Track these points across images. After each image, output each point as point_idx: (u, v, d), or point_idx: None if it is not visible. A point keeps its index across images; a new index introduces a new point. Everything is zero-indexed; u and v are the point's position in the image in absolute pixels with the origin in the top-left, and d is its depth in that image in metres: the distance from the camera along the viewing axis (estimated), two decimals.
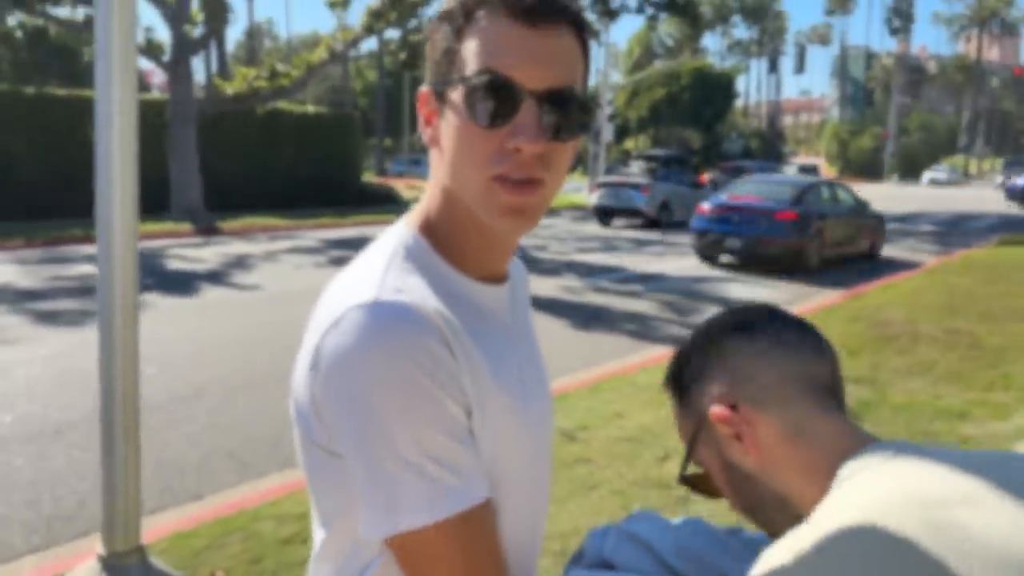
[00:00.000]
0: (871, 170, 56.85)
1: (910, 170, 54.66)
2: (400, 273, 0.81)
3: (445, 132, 0.82)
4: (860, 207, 14.06)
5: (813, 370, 0.90)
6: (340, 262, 12.34)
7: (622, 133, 46.91)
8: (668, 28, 67.71)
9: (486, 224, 0.82)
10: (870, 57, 77.11)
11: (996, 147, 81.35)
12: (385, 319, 0.75)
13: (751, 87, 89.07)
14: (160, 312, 8.05)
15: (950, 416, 5.17)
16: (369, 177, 32.17)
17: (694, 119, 50.97)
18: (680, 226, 19.25)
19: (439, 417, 0.75)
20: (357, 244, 14.77)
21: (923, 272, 12.23)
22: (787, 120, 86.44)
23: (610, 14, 26.65)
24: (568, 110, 0.78)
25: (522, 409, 0.85)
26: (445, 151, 0.82)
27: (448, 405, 0.76)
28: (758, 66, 79.07)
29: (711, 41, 78.64)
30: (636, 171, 20.10)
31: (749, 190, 13.32)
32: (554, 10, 0.78)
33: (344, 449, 0.78)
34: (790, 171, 37.85)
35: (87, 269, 10.72)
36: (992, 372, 6.31)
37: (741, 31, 76.68)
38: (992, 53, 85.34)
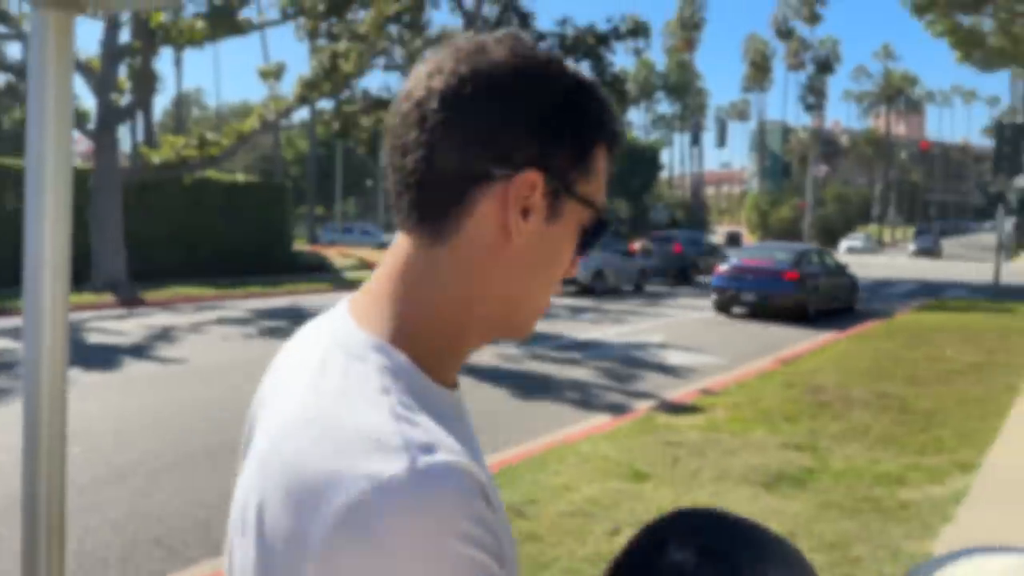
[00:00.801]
0: (792, 237, 59.10)
1: (828, 239, 57.00)
2: (412, 415, 0.63)
3: (545, 240, 0.71)
4: (840, 269, 17.09)
5: None
6: (271, 333, 12.04)
7: None
8: None
9: (494, 334, 0.74)
10: (787, 131, 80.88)
11: (907, 216, 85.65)
12: (437, 492, 0.58)
13: (675, 159, 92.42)
14: (82, 388, 7.64)
15: (889, 481, 5.23)
16: (300, 245, 31.81)
17: (622, 189, 52.34)
18: (613, 293, 19.53)
19: None
20: (288, 314, 14.53)
21: (849, 337, 12.60)
22: (710, 191, 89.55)
23: None
24: None
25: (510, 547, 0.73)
26: (529, 259, 0.71)
27: None
28: (681, 139, 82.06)
29: (636, 115, 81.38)
30: None
31: (756, 255, 16.33)
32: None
33: None
34: (717, 239, 38.95)
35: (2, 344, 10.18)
36: (923, 436, 6.45)
37: (664, 106, 79.55)
38: (900, 128, 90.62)
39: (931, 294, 21.15)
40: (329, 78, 19.21)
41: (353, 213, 66.13)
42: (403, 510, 0.57)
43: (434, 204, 0.69)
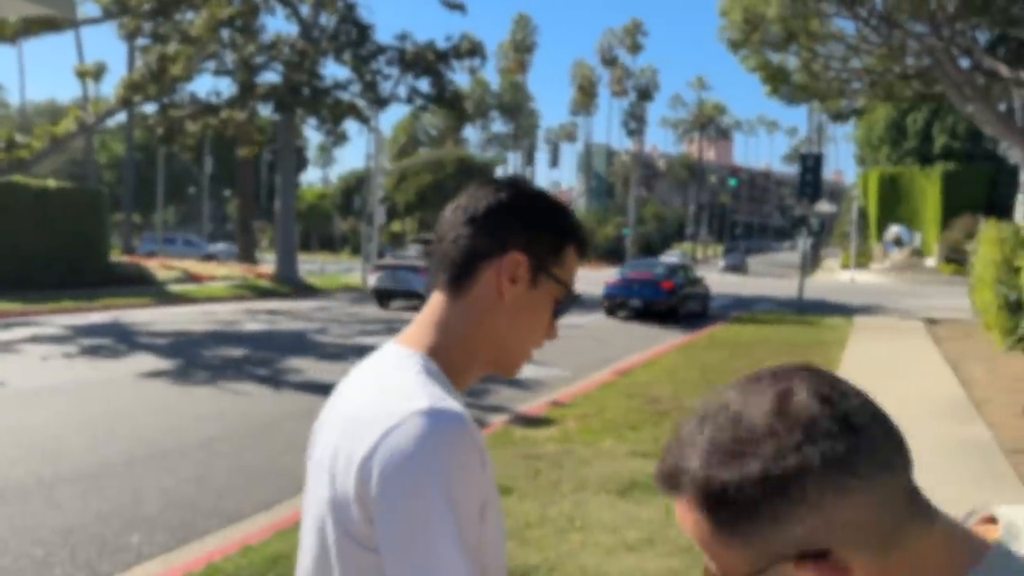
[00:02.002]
0: (615, 255, 61.97)
1: (648, 255, 60.35)
2: (436, 386, 0.96)
3: (523, 302, 1.06)
4: (698, 280, 20.71)
5: (904, 478, 0.72)
6: (94, 352, 11.20)
7: (391, 215, 47.40)
8: (432, 120, 70.20)
9: (491, 368, 1.08)
10: (611, 154, 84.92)
11: (717, 235, 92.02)
12: (444, 424, 0.90)
13: None
14: None
15: None
16: (116, 256, 29.68)
17: None
18: None
19: (473, 522, 0.90)
20: (110, 331, 13.56)
21: (676, 349, 13.39)
22: None
23: (379, 102, 27.16)
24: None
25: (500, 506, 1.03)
26: (518, 315, 1.06)
27: (476, 511, 0.91)
28: (515, 158, 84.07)
29: (471, 133, 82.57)
30: (414, 254, 20.33)
31: (639, 269, 20.39)
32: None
33: (386, 543, 0.89)
34: None
35: None
36: None
37: (498, 125, 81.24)
38: (710, 154, 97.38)
39: (744, 307, 22.89)
40: (156, 80, 18.17)
41: (173, 222, 62.49)
42: (429, 428, 0.88)
43: (457, 274, 1.06)
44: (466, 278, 1.05)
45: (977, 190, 39.76)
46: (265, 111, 28.66)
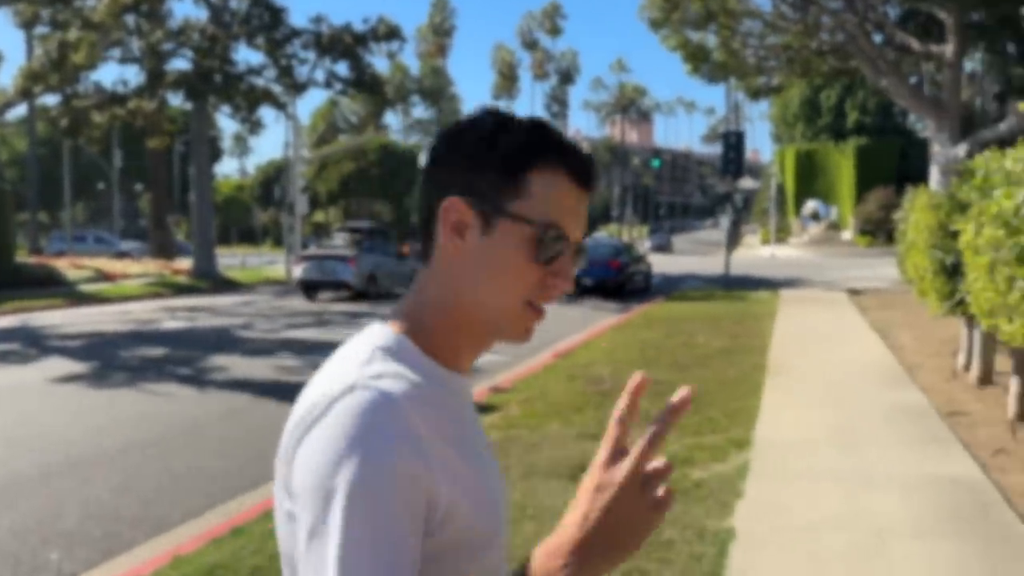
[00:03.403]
0: None
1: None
2: (379, 364, 0.85)
3: (485, 252, 0.88)
4: (641, 258, 22.73)
5: None
6: (2, 357, 10.53)
7: (313, 205, 46.39)
8: (351, 106, 68.92)
9: (487, 334, 0.92)
10: None
11: (642, 216, 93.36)
12: (363, 402, 0.80)
13: None
14: None
15: (679, 463, 5.55)
16: (23, 257, 28.18)
17: (383, 192, 52.07)
18: (388, 297, 19.27)
19: (400, 530, 0.78)
20: (19, 335, 12.76)
21: (613, 328, 13.37)
22: None
23: (296, 87, 26.39)
24: (579, 260, 0.93)
25: (487, 493, 0.89)
26: (478, 269, 0.89)
27: (405, 514, 0.79)
28: None
29: (393, 119, 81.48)
30: (340, 243, 19.82)
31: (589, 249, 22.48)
32: (596, 179, 0.93)
33: (302, 526, 0.79)
34: None
35: None
36: (697, 417, 6.95)
37: (420, 111, 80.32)
38: (632, 136, 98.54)
39: (673, 285, 23.16)
40: (57, 69, 17.16)
41: (83, 220, 59.84)
42: (345, 412, 0.79)
43: (423, 239, 0.92)
44: (427, 240, 0.92)
45: (888, 163, 41.22)
46: (176, 100, 27.58)
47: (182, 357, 10.54)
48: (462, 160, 0.89)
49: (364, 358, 0.85)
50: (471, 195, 0.88)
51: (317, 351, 10.96)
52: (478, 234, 0.88)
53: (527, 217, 0.87)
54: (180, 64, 24.80)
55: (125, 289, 20.85)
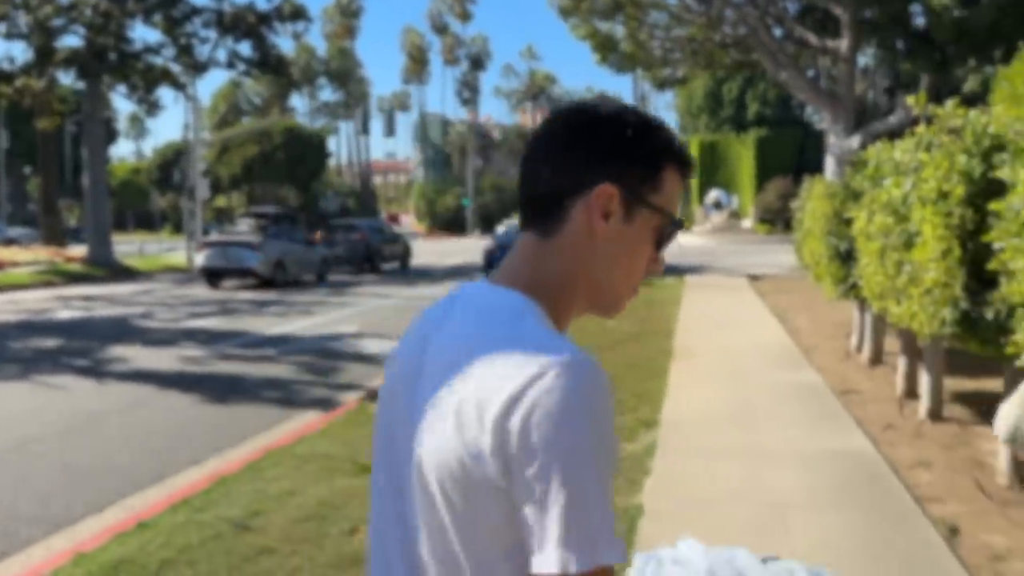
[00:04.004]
0: (456, 225, 62.02)
1: (488, 226, 60.88)
2: (561, 336, 0.93)
3: (624, 237, 0.98)
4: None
5: None
6: None
7: (215, 190, 44.91)
8: (255, 87, 66.87)
9: (592, 307, 1.01)
10: (446, 124, 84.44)
11: None
12: (587, 372, 0.86)
13: (342, 148, 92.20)
14: None
15: None
16: None
17: (289, 177, 50.82)
18: (296, 285, 18.87)
19: (614, 467, 0.88)
20: None
21: None
22: (378, 180, 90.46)
23: (196, 67, 25.45)
24: None
25: None
26: (615, 251, 0.98)
27: (616, 460, 0.89)
28: (347, 128, 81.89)
29: (299, 102, 79.48)
30: (246, 229, 19.25)
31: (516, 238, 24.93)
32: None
33: (538, 491, 0.84)
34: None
35: None
36: None
37: (327, 93, 78.55)
38: None
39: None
40: None
41: None
42: (576, 376, 0.85)
43: (545, 212, 0.98)
44: (554, 217, 0.97)
45: (787, 154, 42.81)
46: (67, 79, 26.19)
47: (79, 348, 10.09)
48: (612, 150, 0.97)
49: (544, 326, 0.92)
50: (620, 184, 0.96)
51: (222, 340, 10.68)
52: (620, 220, 0.97)
53: (662, 209, 0.98)
54: (72, 41, 23.58)
55: (13, 277, 19.75)
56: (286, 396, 7.60)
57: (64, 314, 13.78)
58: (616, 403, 4.34)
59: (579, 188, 0.96)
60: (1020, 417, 1.66)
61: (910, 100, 3.91)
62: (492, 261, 20.12)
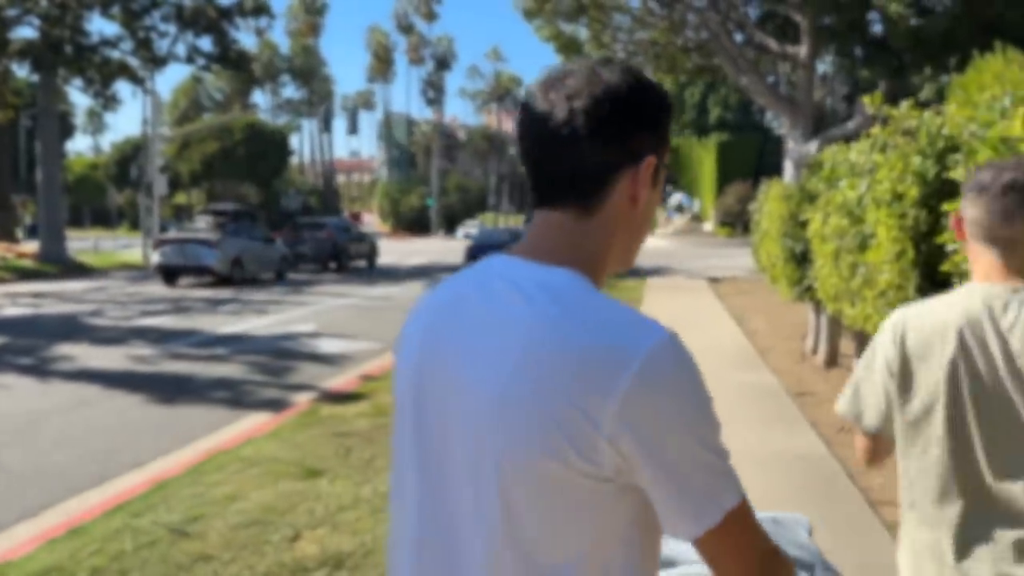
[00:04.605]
0: (420, 225, 61.70)
1: (451, 226, 60.55)
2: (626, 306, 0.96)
3: (652, 201, 1.03)
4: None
5: None
6: None
7: (174, 186, 44.15)
8: (216, 83, 65.90)
9: (618, 268, 1.04)
10: (411, 124, 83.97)
11: (518, 205, 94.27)
12: (683, 348, 0.92)
13: (305, 146, 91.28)
14: None
15: None
16: None
17: (250, 174, 50.12)
18: (253, 283, 18.56)
19: (718, 424, 0.94)
20: None
21: None
22: (341, 178, 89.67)
23: (156, 61, 24.96)
24: None
25: None
26: (647, 215, 1.03)
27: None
28: (310, 126, 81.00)
29: (262, 99, 78.44)
30: (204, 226, 18.97)
31: (491, 237, 26.32)
32: None
33: (650, 468, 0.90)
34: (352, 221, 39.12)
35: None
36: None
37: (290, 91, 77.66)
38: (508, 125, 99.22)
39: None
40: None
41: None
42: (677, 353, 0.91)
43: (585, 188, 0.98)
44: (598, 192, 0.98)
45: (747, 158, 43.32)
46: (22, 71, 25.53)
47: (24, 346, 9.76)
48: (651, 123, 1.00)
49: (617, 303, 0.94)
50: (657, 153, 1.00)
51: (173, 339, 10.42)
52: (652, 187, 1.01)
53: (666, 164, 1.04)
54: (26, 33, 22.97)
55: None
56: (236, 397, 7.40)
57: (10, 311, 13.37)
58: None
59: (630, 160, 0.97)
60: (854, 396, 1.74)
61: (866, 99, 3.90)
62: (476, 259, 22.64)
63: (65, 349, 9.56)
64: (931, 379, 1.57)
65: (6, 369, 8.38)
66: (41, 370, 8.42)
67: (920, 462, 1.61)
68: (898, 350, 1.61)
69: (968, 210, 1.59)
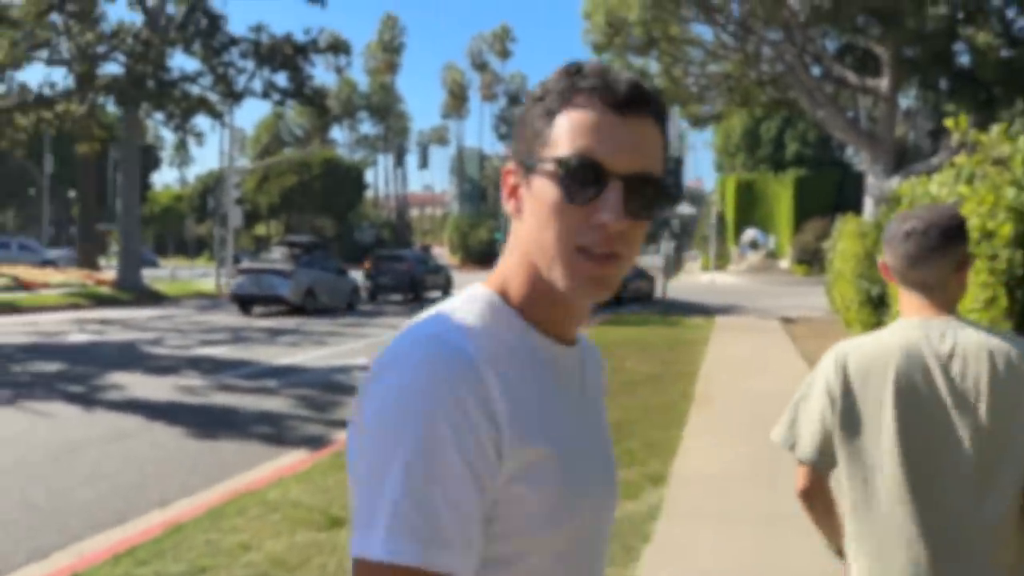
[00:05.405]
0: (488, 258, 61.88)
1: None
2: (472, 318, 0.87)
3: (531, 205, 0.89)
4: (646, 274, 25.66)
5: None
6: None
7: (253, 218, 45.36)
8: (296, 118, 67.88)
9: (555, 290, 0.88)
10: (483, 158, 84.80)
11: None
12: (434, 355, 0.82)
13: (379, 180, 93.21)
14: None
15: None
16: None
17: (326, 207, 51.21)
18: (326, 313, 18.69)
19: (444, 470, 0.78)
20: None
21: None
22: (414, 212, 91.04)
23: (233, 96, 25.65)
24: (649, 193, 0.87)
25: (571, 477, 0.88)
26: (530, 222, 0.89)
27: (459, 464, 0.79)
28: (385, 161, 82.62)
29: (340, 134, 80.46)
30: (279, 257, 19.42)
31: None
32: (642, 102, 0.87)
33: (352, 462, 0.84)
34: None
35: None
36: (616, 448, 6.58)
37: (367, 127, 79.44)
38: None
39: (610, 309, 22.98)
40: None
41: (13, 226, 57.55)
42: (415, 355, 0.82)
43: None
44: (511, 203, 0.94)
45: (826, 194, 42.02)
46: (110, 105, 26.60)
47: (78, 374, 9.82)
48: (519, 122, 0.93)
49: (450, 307, 0.88)
50: (516, 157, 0.91)
51: (226, 369, 10.36)
52: (526, 191, 0.90)
53: (551, 158, 0.87)
54: (113, 68, 23.92)
55: (41, 299, 19.83)
56: (277, 432, 7.19)
57: (75, 338, 13.62)
58: (624, 454, 3.85)
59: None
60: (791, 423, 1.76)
61: (949, 123, 3.42)
62: None
63: (116, 378, 9.57)
64: (873, 404, 1.62)
65: (55, 397, 8.39)
66: (88, 399, 8.40)
67: (863, 491, 1.63)
68: (840, 378, 1.65)
69: (887, 256, 1.71)
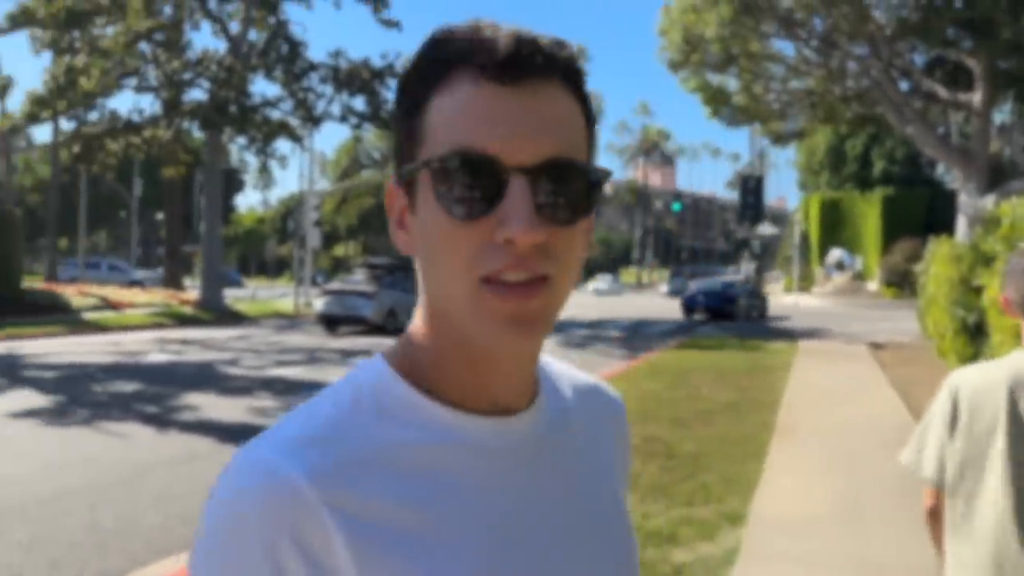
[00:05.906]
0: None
1: (588, 276, 60.09)
2: (323, 419, 0.66)
3: (419, 231, 0.67)
4: (757, 292, 28.26)
5: None
6: None
7: (331, 239, 46.30)
8: (375, 141, 69.35)
9: (467, 342, 0.67)
10: None
11: (663, 259, 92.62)
12: (240, 481, 0.64)
13: None
14: None
15: (660, 541, 4.89)
16: (35, 282, 28.08)
17: None
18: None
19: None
20: (4, 363, 12.31)
21: (614, 377, 12.68)
22: None
23: (312, 120, 26.25)
24: (569, 185, 0.64)
25: None
26: (422, 255, 0.68)
27: None
28: None
29: None
30: (361, 278, 19.84)
31: (707, 283, 28.45)
32: (538, 62, 0.64)
33: None
34: None
35: None
36: (691, 483, 6.28)
37: None
38: (655, 179, 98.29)
39: (685, 332, 22.42)
40: (64, 95, 16.98)
41: (105, 247, 60.30)
42: (226, 480, 0.66)
43: None
44: None
45: (915, 214, 40.37)
46: (198, 131, 27.58)
47: (154, 394, 10.01)
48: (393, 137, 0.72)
49: (308, 407, 0.68)
50: (398, 178, 0.69)
51: (299, 391, 10.41)
52: (411, 217, 0.68)
53: (422, 161, 0.65)
54: (197, 94, 24.81)
55: (127, 319, 20.53)
56: None
57: (155, 358, 13.96)
58: (699, 489, 3.50)
59: None
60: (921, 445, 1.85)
61: None
62: (689, 303, 26.87)
63: (191, 398, 9.71)
64: (983, 433, 1.68)
65: (129, 417, 8.53)
66: (162, 419, 8.52)
67: (967, 518, 1.71)
68: (952, 405, 1.74)
69: (1008, 290, 1.77)
